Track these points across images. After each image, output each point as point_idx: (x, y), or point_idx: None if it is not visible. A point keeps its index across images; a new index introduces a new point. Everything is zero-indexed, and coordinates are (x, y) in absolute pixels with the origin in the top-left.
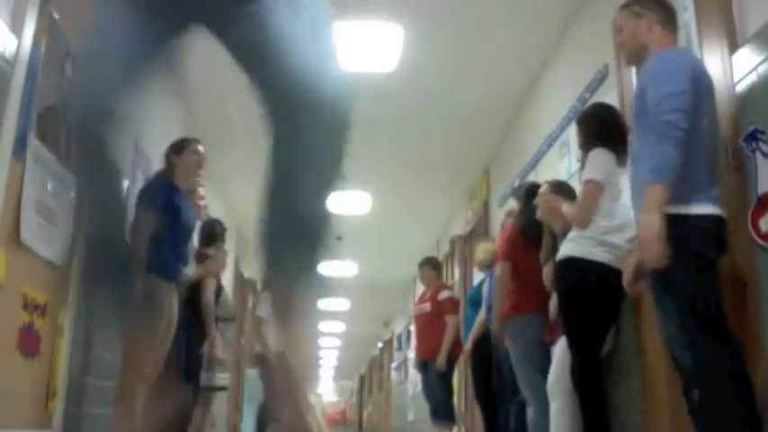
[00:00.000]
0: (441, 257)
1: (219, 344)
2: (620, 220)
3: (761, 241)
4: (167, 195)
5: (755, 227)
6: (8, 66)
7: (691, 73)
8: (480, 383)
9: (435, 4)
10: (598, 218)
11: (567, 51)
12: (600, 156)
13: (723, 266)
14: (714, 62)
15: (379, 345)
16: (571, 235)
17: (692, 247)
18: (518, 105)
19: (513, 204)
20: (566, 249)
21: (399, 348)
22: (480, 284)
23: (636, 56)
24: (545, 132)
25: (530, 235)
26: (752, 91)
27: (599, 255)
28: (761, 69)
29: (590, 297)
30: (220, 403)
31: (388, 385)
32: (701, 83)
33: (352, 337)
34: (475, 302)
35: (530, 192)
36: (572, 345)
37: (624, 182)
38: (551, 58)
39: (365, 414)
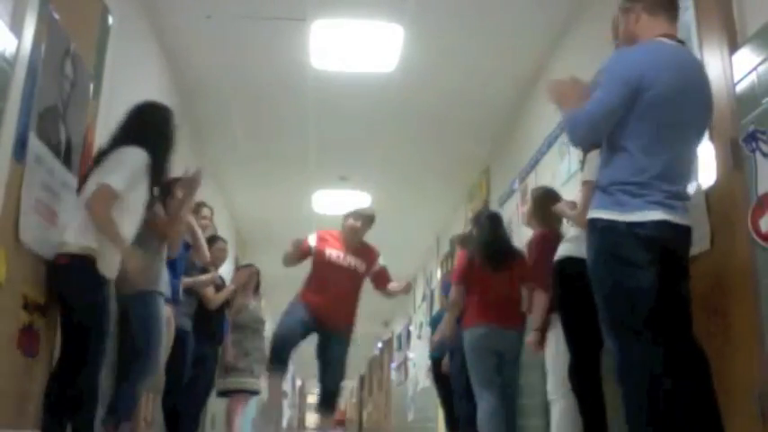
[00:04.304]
0: (440, 257)
1: (232, 350)
2: None
3: (761, 241)
4: None
5: (755, 227)
6: (8, 66)
7: (625, 82)
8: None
9: (435, 4)
10: None
11: (567, 51)
12: (598, 156)
13: (723, 266)
14: (714, 62)
15: (379, 345)
16: (569, 235)
17: (617, 252)
18: (518, 105)
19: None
20: (564, 249)
21: (399, 348)
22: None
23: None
24: (545, 132)
25: (486, 257)
26: (752, 91)
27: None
28: (761, 69)
29: (588, 296)
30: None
31: (388, 385)
32: (642, 85)
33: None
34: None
35: (491, 218)
36: (570, 344)
37: None
38: (551, 58)
39: (365, 414)
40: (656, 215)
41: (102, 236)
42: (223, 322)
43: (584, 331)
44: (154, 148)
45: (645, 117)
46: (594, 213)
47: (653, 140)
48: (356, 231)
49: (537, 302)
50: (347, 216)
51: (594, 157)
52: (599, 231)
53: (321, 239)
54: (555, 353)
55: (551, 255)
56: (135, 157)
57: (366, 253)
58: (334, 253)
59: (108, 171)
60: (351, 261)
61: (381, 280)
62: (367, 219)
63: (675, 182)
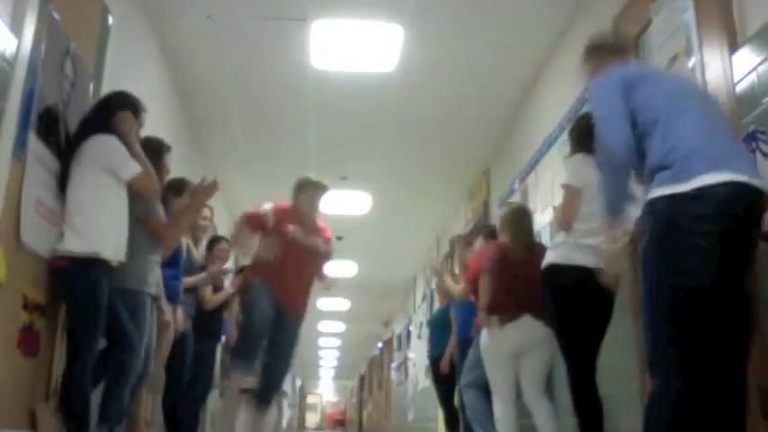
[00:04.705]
0: (441, 257)
1: None
2: (598, 223)
3: (761, 241)
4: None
5: None
6: (8, 66)
7: (613, 88)
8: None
9: (435, 4)
10: (577, 222)
11: (567, 51)
12: (576, 162)
13: None
14: (714, 62)
15: (379, 345)
16: (555, 241)
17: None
18: (518, 105)
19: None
20: (549, 256)
21: (399, 348)
22: (446, 310)
23: None
24: (545, 132)
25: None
26: (752, 91)
27: (580, 259)
28: (761, 69)
29: (576, 301)
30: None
31: (388, 385)
32: (630, 80)
33: (352, 337)
34: (439, 325)
35: (491, 233)
36: (565, 353)
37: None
38: (551, 58)
39: (365, 414)
40: (725, 176)
41: (98, 218)
42: (221, 322)
43: (576, 336)
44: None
45: (652, 92)
46: (652, 194)
47: (675, 111)
48: (316, 204)
49: (481, 283)
50: (303, 186)
51: (572, 162)
52: (655, 212)
53: (279, 213)
54: (482, 348)
55: (493, 248)
56: (117, 143)
57: (321, 231)
58: (298, 231)
59: (120, 164)
60: (312, 240)
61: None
62: (324, 189)
63: (725, 150)
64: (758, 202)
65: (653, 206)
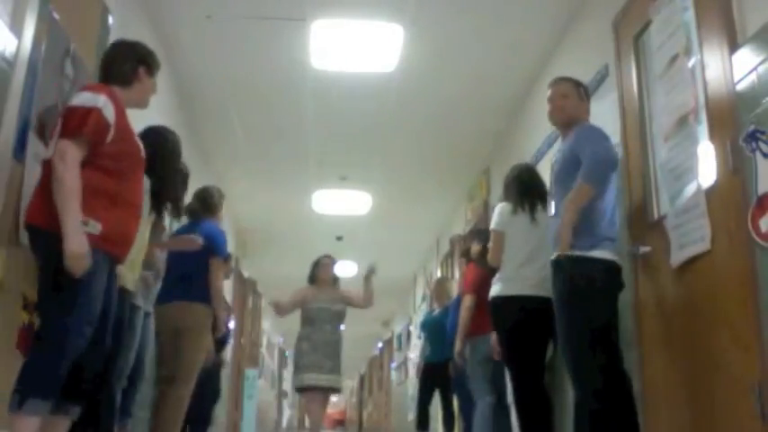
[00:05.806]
0: (441, 257)
1: (304, 345)
2: (523, 257)
3: (761, 241)
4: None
5: (755, 227)
6: (8, 66)
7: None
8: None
9: (435, 4)
10: (506, 258)
11: (567, 51)
12: (500, 210)
13: (723, 266)
14: (714, 62)
15: (379, 345)
16: (497, 276)
17: (589, 281)
18: (518, 105)
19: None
20: (492, 290)
21: (399, 348)
22: (443, 315)
23: (568, 124)
24: (545, 132)
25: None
26: (752, 91)
27: (518, 290)
28: (761, 69)
29: (515, 327)
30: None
31: (388, 385)
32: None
33: (352, 336)
34: (437, 329)
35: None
36: (509, 365)
37: (522, 224)
38: (551, 58)
39: (365, 414)
40: (608, 255)
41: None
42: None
43: (522, 355)
44: (159, 172)
45: None
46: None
47: (605, 197)
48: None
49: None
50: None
51: (495, 210)
52: (563, 271)
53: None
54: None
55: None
56: None
57: None
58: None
59: None
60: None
61: None
62: None
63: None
64: (620, 272)
65: (558, 265)
